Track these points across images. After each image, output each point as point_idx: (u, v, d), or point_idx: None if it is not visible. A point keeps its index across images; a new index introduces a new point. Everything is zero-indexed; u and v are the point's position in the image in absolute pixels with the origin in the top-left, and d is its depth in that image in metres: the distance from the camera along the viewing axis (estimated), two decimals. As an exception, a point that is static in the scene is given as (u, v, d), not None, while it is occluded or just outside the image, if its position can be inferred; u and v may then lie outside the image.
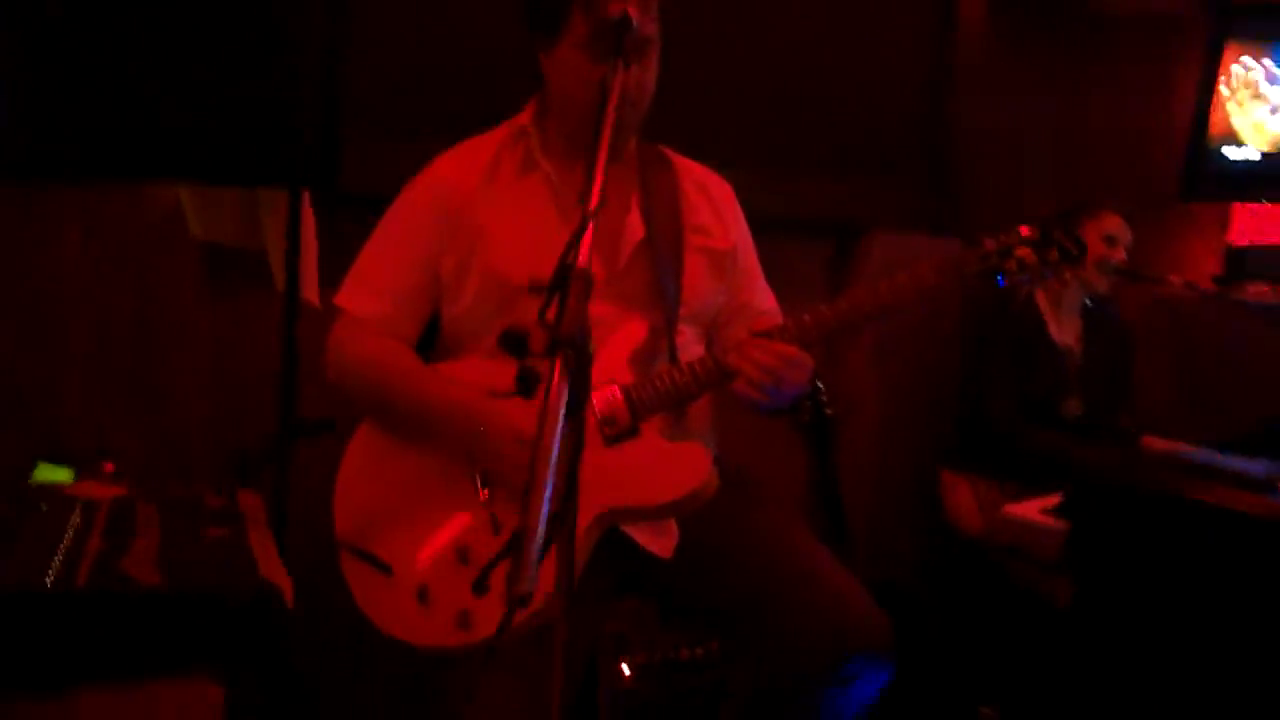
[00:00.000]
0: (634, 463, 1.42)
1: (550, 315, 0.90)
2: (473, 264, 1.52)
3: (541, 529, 0.77)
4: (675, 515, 1.42)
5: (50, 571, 1.07)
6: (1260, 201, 3.00)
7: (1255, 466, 1.39)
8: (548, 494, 0.79)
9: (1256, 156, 2.91)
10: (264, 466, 1.82)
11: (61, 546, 1.16)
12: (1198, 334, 2.93)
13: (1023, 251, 1.50)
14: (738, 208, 1.72)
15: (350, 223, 1.56)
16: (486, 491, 1.43)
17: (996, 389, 2.48)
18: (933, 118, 2.59)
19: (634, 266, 1.57)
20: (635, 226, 1.57)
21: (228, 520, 1.34)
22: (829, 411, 2.22)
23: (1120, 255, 2.49)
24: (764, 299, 1.71)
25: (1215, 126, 2.86)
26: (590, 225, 0.99)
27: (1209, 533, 1.31)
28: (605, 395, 1.46)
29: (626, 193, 1.60)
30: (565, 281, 0.91)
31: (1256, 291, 2.85)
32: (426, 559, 1.39)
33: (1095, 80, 2.90)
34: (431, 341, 1.62)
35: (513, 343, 0.91)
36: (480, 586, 1.36)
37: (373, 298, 1.54)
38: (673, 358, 1.54)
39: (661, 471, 1.40)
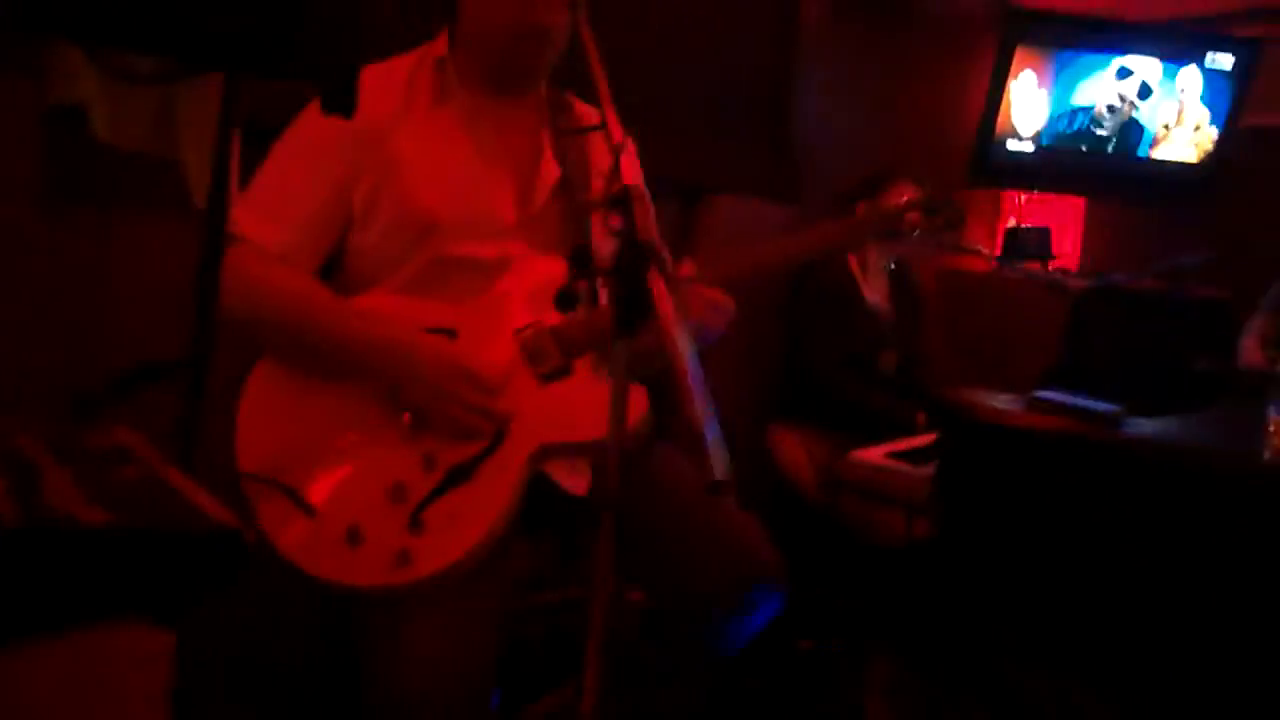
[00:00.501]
0: (570, 399, 1.41)
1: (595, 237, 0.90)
2: (385, 194, 1.45)
3: (714, 420, 0.79)
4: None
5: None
6: (1031, 190, 3.38)
7: (1100, 405, 1.58)
8: (703, 388, 0.80)
9: (1031, 149, 3.27)
10: (107, 409, 1.65)
11: (-39, 484, 1.00)
12: (977, 303, 3.27)
13: (913, 216, 1.65)
14: (636, 157, 1.73)
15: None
16: (414, 429, 1.37)
17: (819, 346, 2.65)
18: (776, 93, 2.72)
19: (549, 208, 1.55)
20: (550, 167, 1.56)
21: (128, 459, 1.20)
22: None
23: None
24: (661, 248, 1.74)
25: (1004, 121, 3.19)
26: (625, 151, 0.98)
27: (1075, 464, 1.49)
28: (534, 334, 1.44)
29: (537, 134, 1.58)
30: (628, 200, 0.91)
31: (1029, 268, 3.21)
32: (354, 498, 1.32)
33: (913, 73, 3.16)
34: (327, 275, 1.53)
35: (581, 257, 0.89)
36: (416, 524, 1.31)
37: (275, 224, 1.42)
38: (594, 299, 1.54)
39: (599, 407, 1.40)
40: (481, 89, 1.52)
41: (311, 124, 1.47)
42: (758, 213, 2.76)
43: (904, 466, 2.04)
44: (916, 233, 1.63)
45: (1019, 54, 3.08)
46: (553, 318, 1.47)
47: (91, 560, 0.93)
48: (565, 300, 0.92)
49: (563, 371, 1.43)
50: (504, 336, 1.44)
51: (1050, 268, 3.25)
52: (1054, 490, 1.48)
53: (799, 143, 2.78)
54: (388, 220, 1.45)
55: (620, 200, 0.94)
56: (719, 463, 0.80)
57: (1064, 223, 3.61)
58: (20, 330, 1.71)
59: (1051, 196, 3.52)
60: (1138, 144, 3.23)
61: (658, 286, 0.90)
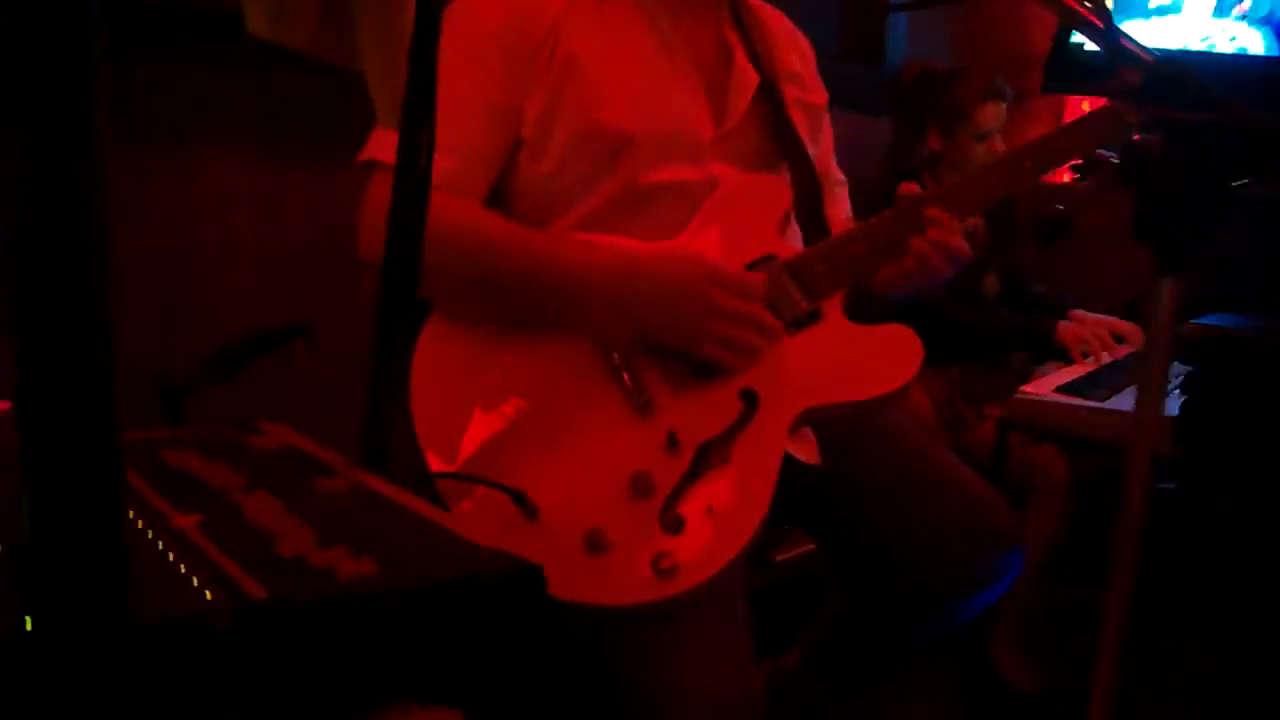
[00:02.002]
0: (830, 351, 1.12)
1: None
2: (563, 108, 1.12)
3: None
4: (881, 410, 1.14)
5: (195, 581, 0.61)
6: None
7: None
8: None
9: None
10: (196, 396, 1.32)
11: (146, 535, 0.68)
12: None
13: (1132, 117, 1.36)
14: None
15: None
16: (646, 396, 1.06)
17: None
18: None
19: (749, 120, 1.24)
20: (746, 71, 1.24)
21: (319, 467, 0.88)
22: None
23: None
24: (838, 170, 1.44)
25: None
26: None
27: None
28: (771, 272, 1.13)
29: (719, 31, 1.25)
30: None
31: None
32: (587, 493, 1.01)
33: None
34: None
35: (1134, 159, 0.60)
36: (671, 521, 1.01)
37: (437, 150, 1.08)
38: (816, 225, 1.23)
39: (869, 359, 1.11)
40: None
41: (466, 30, 1.12)
42: (857, 125, 2.43)
43: (1082, 400, 1.78)
44: (1134, 132, 1.35)
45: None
46: (783, 250, 1.17)
47: (363, 630, 0.62)
48: (1050, 230, 0.63)
49: (813, 317, 1.13)
50: (727, 273, 1.13)
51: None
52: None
53: (890, 56, 2.47)
54: (569, 139, 1.12)
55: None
56: None
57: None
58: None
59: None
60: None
61: None
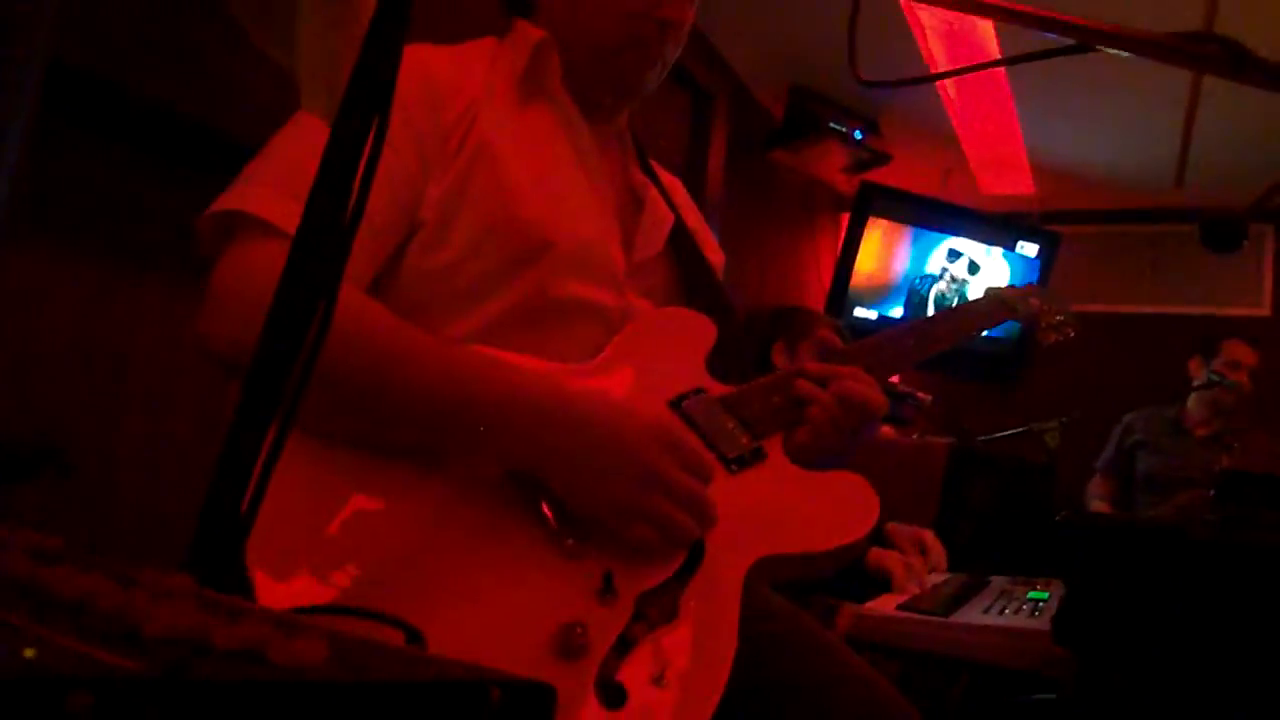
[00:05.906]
0: (779, 496, 0.95)
1: None
2: (473, 195, 0.96)
3: None
4: (835, 566, 0.96)
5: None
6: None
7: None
8: None
9: (875, 317, 3.25)
10: None
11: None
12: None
13: (1034, 301, 1.41)
14: None
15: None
16: (569, 526, 0.82)
17: None
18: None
19: (662, 258, 1.13)
20: (660, 207, 1.15)
21: (159, 586, 0.57)
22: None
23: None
24: None
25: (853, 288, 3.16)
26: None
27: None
28: (704, 406, 0.98)
29: (632, 173, 1.18)
30: None
31: (882, 432, 3.11)
32: (501, 653, 0.74)
33: (778, 242, 3.08)
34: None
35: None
36: (610, 692, 0.75)
37: None
38: (737, 369, 1.09)
39: (824, 506, 0.94)
40: (573, 97, 1.09)
41: None
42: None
43: (924, 617, 1.69)
44: (1041, 325, 1.39)
45: (873, 223, 3.10)
46: (712, 386, 1.01)
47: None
48: (1219, 236, 0.51)
49: (756, 456, 0.96)
50: (657, 409, 0.96)
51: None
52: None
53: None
54: (476, 230, 0.95)
55: None
56: None
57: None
58: None
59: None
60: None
61: None
